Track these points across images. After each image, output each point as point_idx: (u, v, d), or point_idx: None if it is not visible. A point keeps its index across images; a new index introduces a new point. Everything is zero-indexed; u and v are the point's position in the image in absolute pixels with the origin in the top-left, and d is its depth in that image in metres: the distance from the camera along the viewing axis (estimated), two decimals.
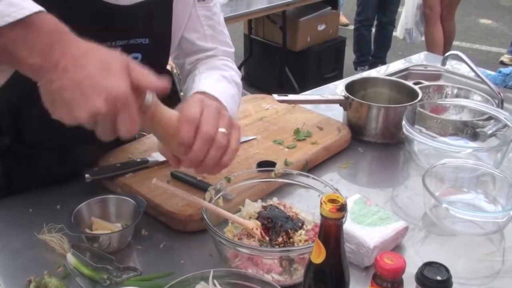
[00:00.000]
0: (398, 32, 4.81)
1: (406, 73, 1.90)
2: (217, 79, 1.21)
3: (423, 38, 4.73)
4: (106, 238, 1.03)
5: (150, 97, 0.82)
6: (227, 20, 3.42)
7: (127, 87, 0.76)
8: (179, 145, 0.91)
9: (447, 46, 4.68)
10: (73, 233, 1.02)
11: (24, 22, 0.72)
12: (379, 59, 4.83)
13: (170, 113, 0.91)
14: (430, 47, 4.57)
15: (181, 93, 3.44)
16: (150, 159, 1.26)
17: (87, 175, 1.18)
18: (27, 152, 1.18)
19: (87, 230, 1.06)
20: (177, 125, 0.90)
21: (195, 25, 1.27)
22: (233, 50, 1.36)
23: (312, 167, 1.35)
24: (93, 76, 0.74)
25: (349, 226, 1.03)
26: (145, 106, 0.82)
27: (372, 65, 4.64)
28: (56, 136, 1.07)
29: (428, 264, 0.84)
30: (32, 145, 1.17)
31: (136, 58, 1.13)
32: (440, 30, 4.58)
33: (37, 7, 0.73)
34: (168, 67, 3.82)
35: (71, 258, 0.99)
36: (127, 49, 1.07)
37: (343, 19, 5.94)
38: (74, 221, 1.03)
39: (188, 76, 1.31)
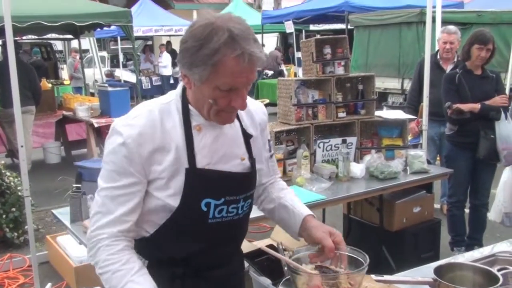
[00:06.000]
0: (493, 216, 4.87)
1: (493, 258, 2.13)
2: (298, 200, 1.91)
3: None
4: None
5: None
6: (329, 202, 3.83)
7: None
8: None
9: None
10: None
11: None
12: (475, 241, 4.83)
13: None
14: None
15: (285, 268, 3.73)
16: None
17: None
18: (194, 278, 1.73)
19: None
20: None
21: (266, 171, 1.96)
22: (280, 175, 2.09)
23: None
24: None
25: None
26: None
27: (469, 247, 4.69)
28: (212, 268, 1.72)
29: None
30: (196, 273, 1.73)
31: None
32: None
33: None
34: (274, 243, 4.20)
35: None
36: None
37: None
38: None
39: (263, 192, 1.99)
